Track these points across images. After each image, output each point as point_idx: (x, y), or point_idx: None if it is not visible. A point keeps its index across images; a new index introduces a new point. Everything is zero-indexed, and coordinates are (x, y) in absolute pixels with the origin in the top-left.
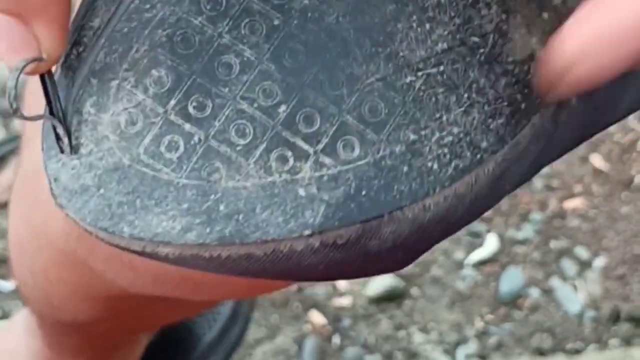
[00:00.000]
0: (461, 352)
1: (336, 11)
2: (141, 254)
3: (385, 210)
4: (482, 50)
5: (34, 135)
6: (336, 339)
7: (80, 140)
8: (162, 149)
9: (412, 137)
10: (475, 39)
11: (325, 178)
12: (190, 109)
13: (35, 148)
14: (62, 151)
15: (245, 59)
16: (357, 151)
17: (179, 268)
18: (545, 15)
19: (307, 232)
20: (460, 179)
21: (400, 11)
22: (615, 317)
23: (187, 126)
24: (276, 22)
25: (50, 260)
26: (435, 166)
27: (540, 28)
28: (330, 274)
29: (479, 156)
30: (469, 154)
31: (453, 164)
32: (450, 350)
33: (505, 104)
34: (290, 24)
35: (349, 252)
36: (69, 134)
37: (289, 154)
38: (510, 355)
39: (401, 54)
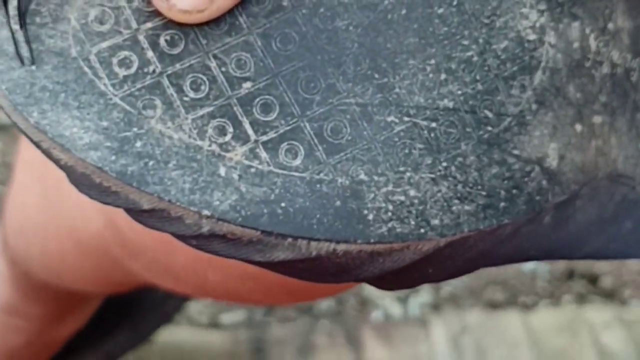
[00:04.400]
0: (414, 302)
1: (351, 19)
2: (36, 145)
3: (293, 233)
4: (489, 129)
5: None
6: None
7: (41, 9)
8: (115, 60)
9: (363, 177)
10: (489, 114)
11: (253, 170)
12: (161, 40)
13: None
14: (22, 62)
15: (237, 23)
16: (298, 161)
17: (221, 280)
18: (579, 127)
19: (206, 212)
20: (387, 243)
21: (421, 49)
22: (569, 274)
23: (150, 54)
24: (285, 3)
25: (71, 248)
26: (371, 217)
27: (567, 137)
28: (208, 250)
29: (422, 231)
30: (413, 223)
31: (389, 225)
32: (403, 299)
33: (483, 193)
34: (297, 10)
35: (231, 249)
36: (28, 43)
37: (230, 129)
38: (463, 306)
39: (397, 90)
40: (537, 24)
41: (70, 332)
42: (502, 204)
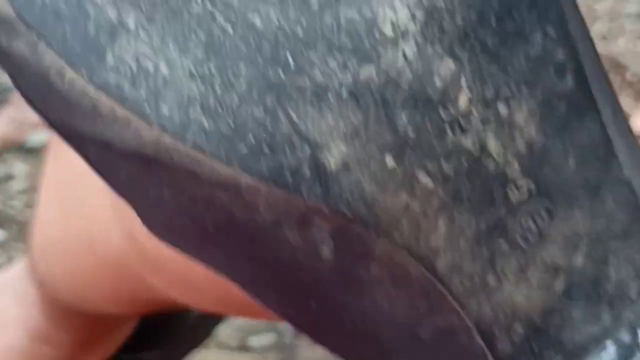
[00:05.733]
0: None
1: None
2: None
3: (34, 25)
4: (281, 74)
5: None
6: None
7: None
8: None
9: (130, 23)
10: (291, 61)
11: None
12: None
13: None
14: None
15: None
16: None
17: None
18: (390, 163)
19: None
20: (109, 95)
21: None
22: None
23: None
24: None
25: (92, 266)
26: (110, 62)
27: (367, 157)
28: None
29: (146, 105)
30: (143, 93)
31: (120, 80)
32: None
33: (231, 123)
34: None
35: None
36: None
37: None
38: None
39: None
40: (402, 25)
41: (99, 359)
42: (243, 149)
